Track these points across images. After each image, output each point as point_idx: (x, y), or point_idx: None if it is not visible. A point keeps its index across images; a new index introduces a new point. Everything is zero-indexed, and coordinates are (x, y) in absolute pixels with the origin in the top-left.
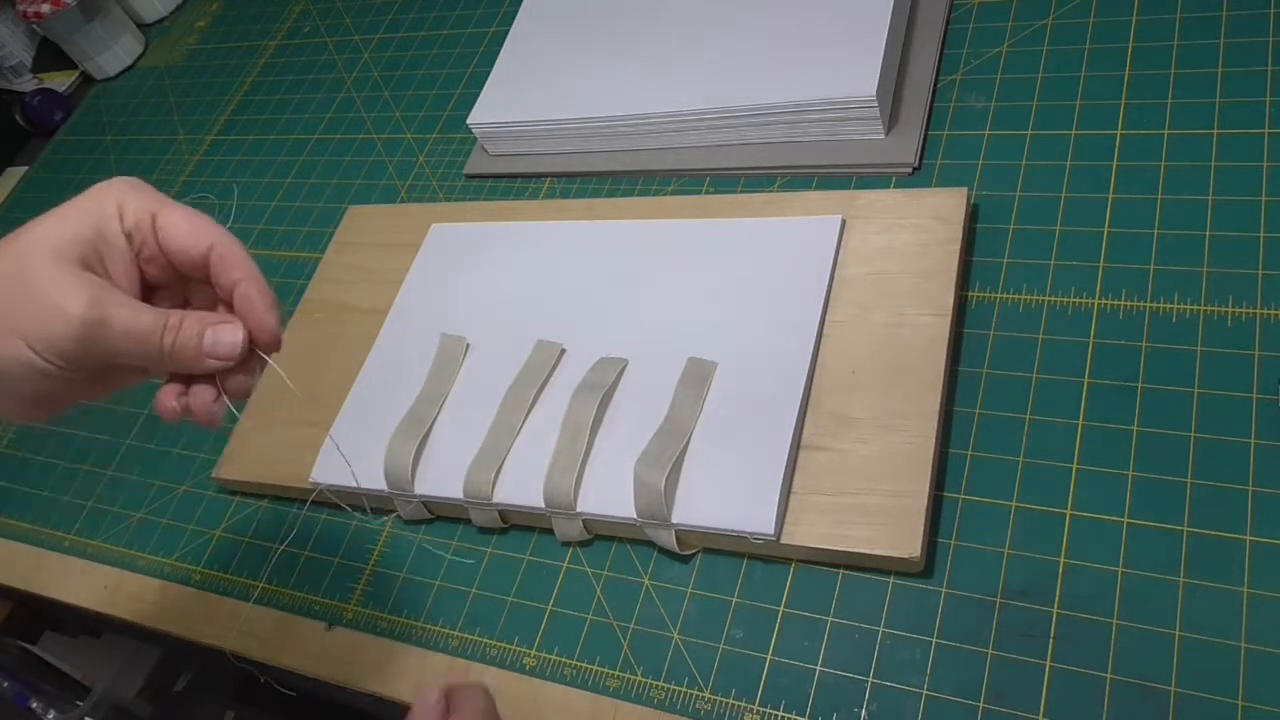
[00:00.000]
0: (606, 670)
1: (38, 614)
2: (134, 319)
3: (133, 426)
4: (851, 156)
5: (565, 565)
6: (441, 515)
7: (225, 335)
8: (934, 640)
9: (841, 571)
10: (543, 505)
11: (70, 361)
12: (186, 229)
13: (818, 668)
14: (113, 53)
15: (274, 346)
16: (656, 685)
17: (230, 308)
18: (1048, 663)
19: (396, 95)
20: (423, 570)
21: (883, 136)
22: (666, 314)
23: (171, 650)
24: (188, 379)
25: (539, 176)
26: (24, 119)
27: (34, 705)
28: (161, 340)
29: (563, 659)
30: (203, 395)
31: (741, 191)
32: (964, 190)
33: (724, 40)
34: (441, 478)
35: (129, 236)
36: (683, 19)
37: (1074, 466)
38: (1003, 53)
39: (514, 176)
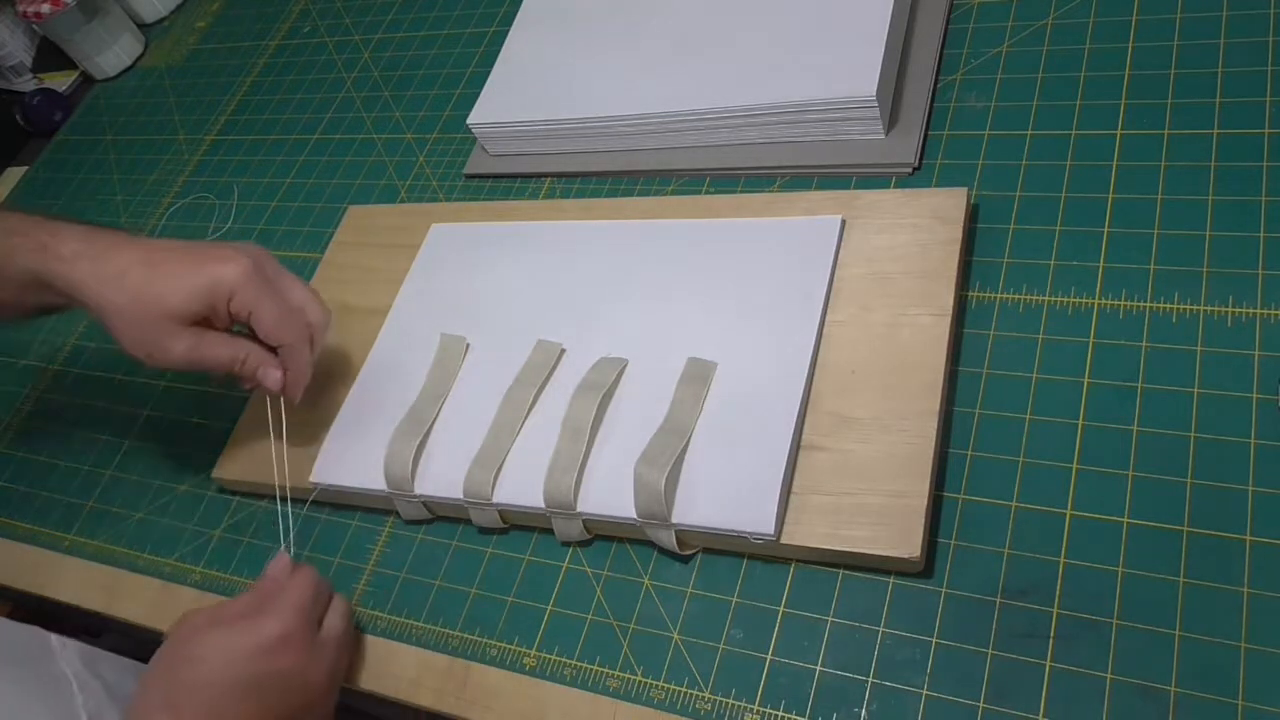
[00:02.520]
0: (606, 670)
1: (38, 614)
2: (217, 353)
3: (133, 426)
4: (851, 156)
5: (565, 565)
6: (441, 515)
7: (270, 377)
8: (934, 640)
9: (841, 571)
10: (543, 505)
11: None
12: (270, 326)
13: (818, 668)
14: (113, 53)
15: (292, 400)
16: (656, 685)
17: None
18: (1048, 663)
19: (396, 95)
20: (423, 570)
21: (883, 136)
22: (667, 314)
23: None
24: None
25: (539, 176)
26: (24, 119)
27: None
28: (234, 368)
29: (563, 659)
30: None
31: (741, 191)
32: (964, 190)
33: (724, 40)
34: (441, 478)
35: (230, 313)
36: (683, 19)
37: (1074, 466)
38: (1003, 53)
39: (514, 176)
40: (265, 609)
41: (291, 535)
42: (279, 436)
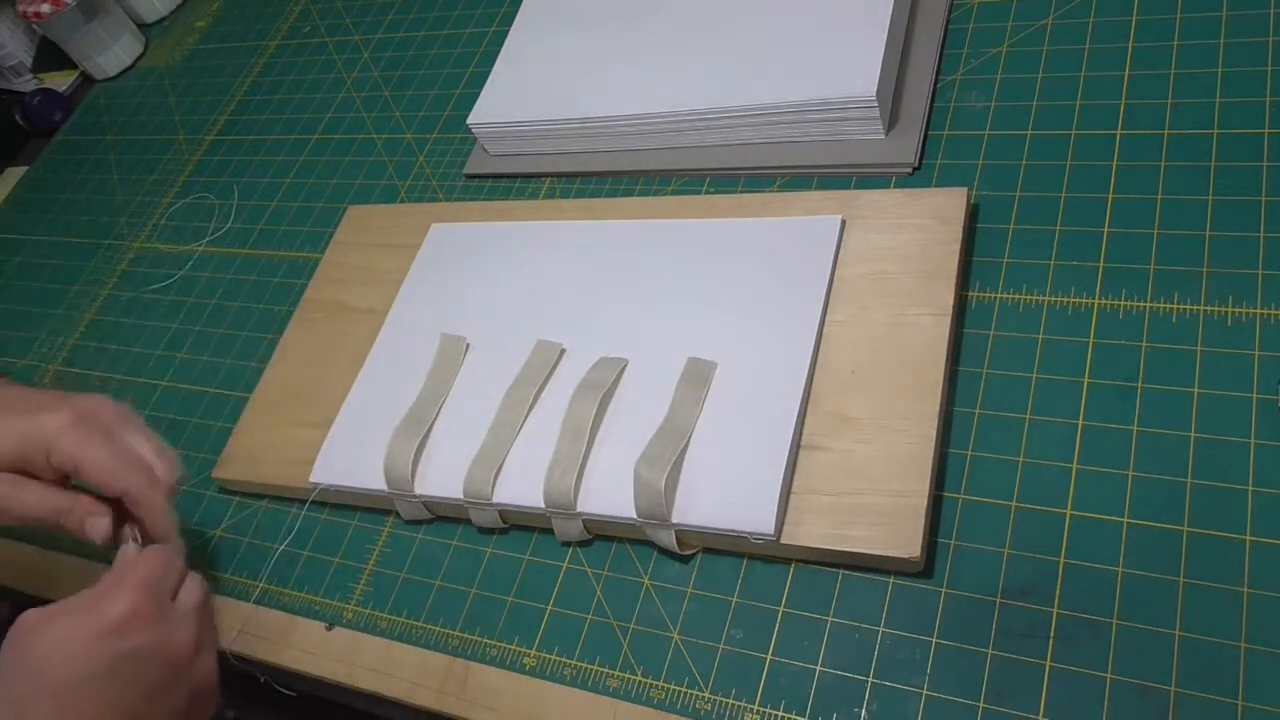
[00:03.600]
0: (606, 670)
1: None
2: (39, 506)
3: None
4: (851, 156)
5: (565, 565)
6: (441, 515)
7: (98, 528)
8: (934, 640)
9: (841, 571)
10: (543, 505)
11: None
12: (97, 475)
13: (818, 668)
14: (113, 53)
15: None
16: (656, 685)
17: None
18: (1048, 663)
19: (396, 95)
20: (423, 570)
21: (883, 136)
22: (666, 314)
23: None
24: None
25: (539, 176)
26: (24, 119)
27: None
28: (58, 520)
29: (563, 659)
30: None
31: (741, 191)
32: (964, 190)
33: (724, 40)
34: (441, 478)
35: (51, 467)
36: (682, 19)
37: (1074, 466)
38: (1003, 53)
39: (514, 176)
40: (106, 590)
41: (135, 530)
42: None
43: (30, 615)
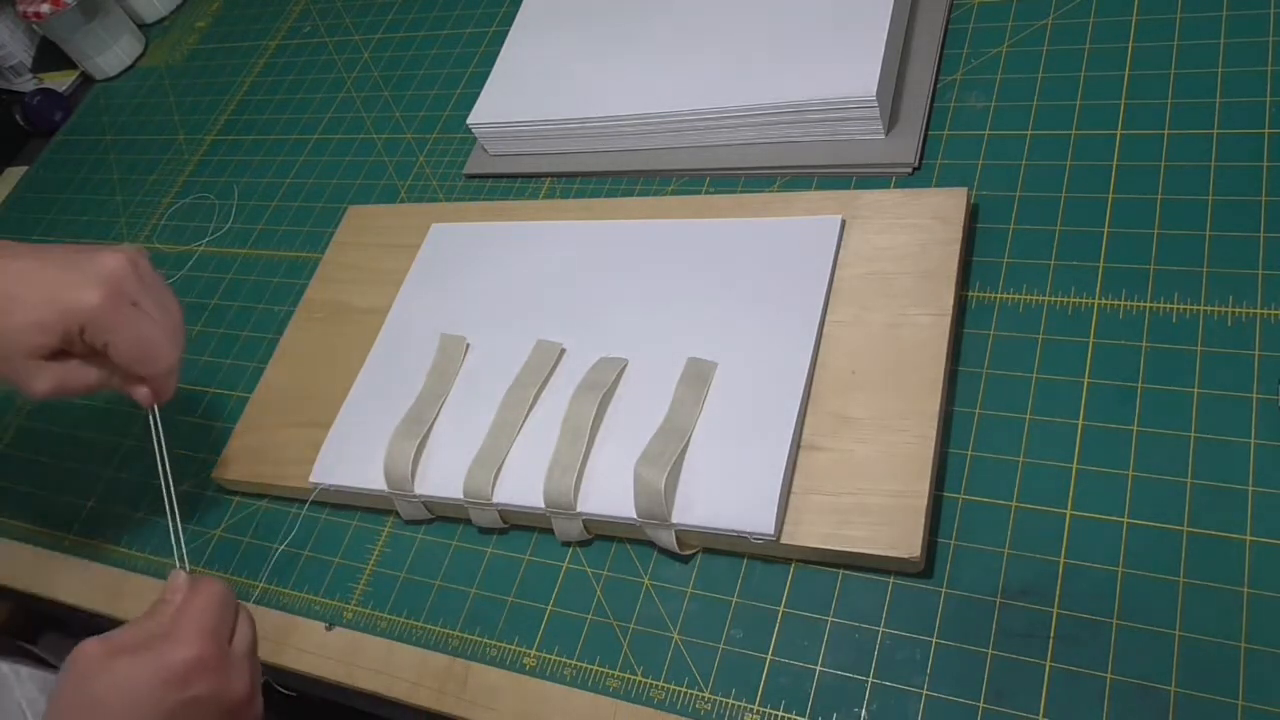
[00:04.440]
0: (606, 670)
1: (38, 614)
2: (84, 383)
3: (133, 426)
4: (851, 156)
5: (565, 565)
6: (441, 515)
7: (142, 395)
8: (934, 640)
9: (841, 571)
10: (543, 505)
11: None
12: (128, 359)
13: (818, 668)
14: (113, 53)
15: (161, 402)
16: (656, 685)
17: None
18: (1048, 663)
19: (396, 95)
20: (423, 570)
21: (883, 136)
22: (666, 314)
23: None
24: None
25: (539, 176)
26: (24, 119)
27: None
28: (104, 388)
29: (563, 659)
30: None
31: (741, 191)
32: (964, 190)
33: (724, 40)
34: (441, 478)
35: (83, 341)
36: (682, 19)
37: (1074, 466)
38: (1003, 53)
39: (514, 176)
40: (170, 633)
41: (185, 550)
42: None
43: (91, 647)
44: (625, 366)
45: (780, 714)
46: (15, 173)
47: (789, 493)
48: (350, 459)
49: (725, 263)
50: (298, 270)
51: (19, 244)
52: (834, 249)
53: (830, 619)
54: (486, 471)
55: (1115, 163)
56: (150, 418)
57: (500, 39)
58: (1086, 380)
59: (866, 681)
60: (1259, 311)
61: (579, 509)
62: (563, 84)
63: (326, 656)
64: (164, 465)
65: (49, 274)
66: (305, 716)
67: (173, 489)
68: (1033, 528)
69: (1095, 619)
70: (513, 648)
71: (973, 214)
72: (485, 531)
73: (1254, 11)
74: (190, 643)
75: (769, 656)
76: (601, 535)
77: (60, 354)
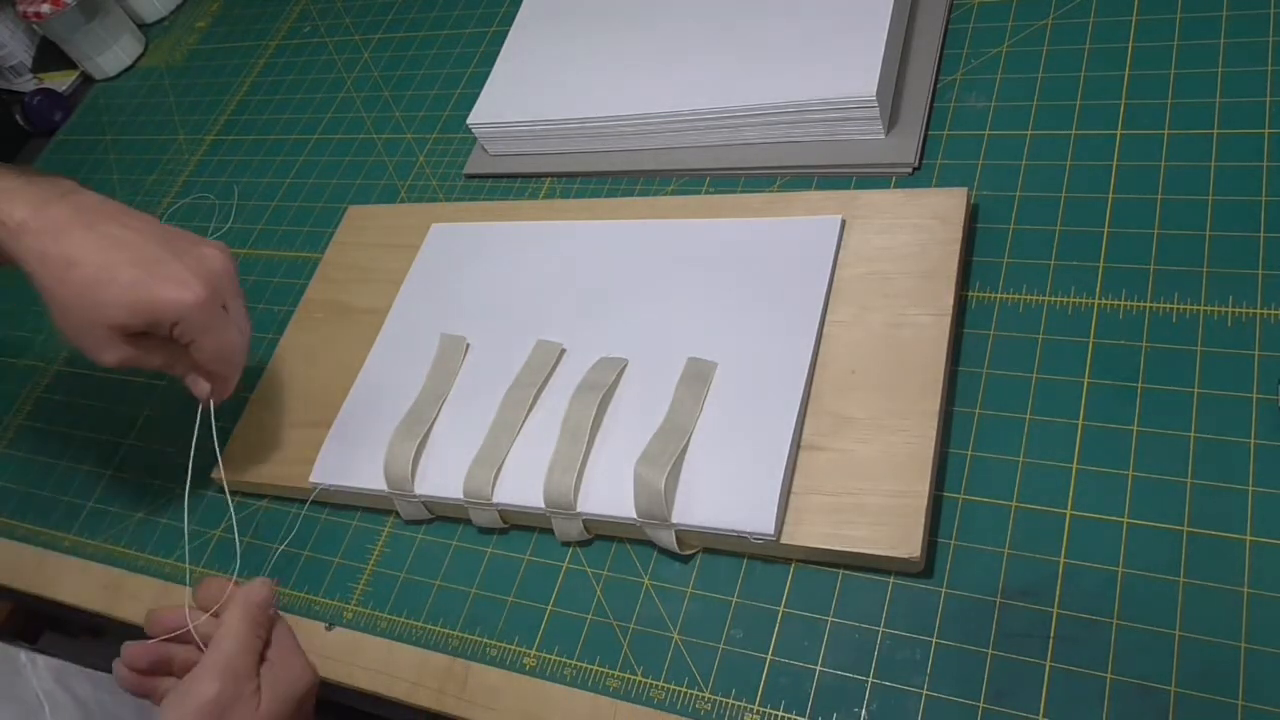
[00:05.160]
0: (606, 670)
1: (38, 614)
2: (149, 363)
3: (133, 426)
4: (851, 156)
5: (565, 565)
6: (441, 515)
7: (201, 387)
8: (934, 640)
9: (841, 571)
10: (543, 505)
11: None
12: (204, 361)
13: (818, 668)
14: (113, 53)
15: (218, 401)
16: (656, 685)
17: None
18: (1048, 663)
19: (396, 95)
20: (423, 570)
21: (883, 136)
22: (666, 314)
23: None
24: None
25: (539, 176)
26: (24, 119)
27: None
28: (164, 371)
29: (563, 659)
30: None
31: (741, 191)
32: (964, 190)
33: (724, 40)
34: (441, 478)
35: (170, 332)
36: (683, 19)
37: (1074, 466)
38: (1003, 53)
39: (514, 176)
40: (197, 675)
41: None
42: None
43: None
44: (625, 366)
45: (780, 714)
46: None
47: (789, 493)
48: (350, 459)
49: (725, 263)
50: (298, 270)
51: (108, 201)
52: (834, 249)
53: (830, 619)
54: (486, 471)
55: (1115, 163)
56: (201, 410)
57: (500, 39)
58: (1086, 380)
59: (866, 681)
60: (1259, 311)
61: (579, 509)
62: (563, 84)
63: (326, 656)
64: (218, 454)
65: (149, 252)
66: None
67: (225, 479)
68: (1033, 528)
69: (1095, 619)
70: (513, 648)
71: (973, 214)
72: (485, 531)
73: (1254, 11)
74: (212, 680)
75: (769, 656)
76: (601, 535)
77: (139, 333)
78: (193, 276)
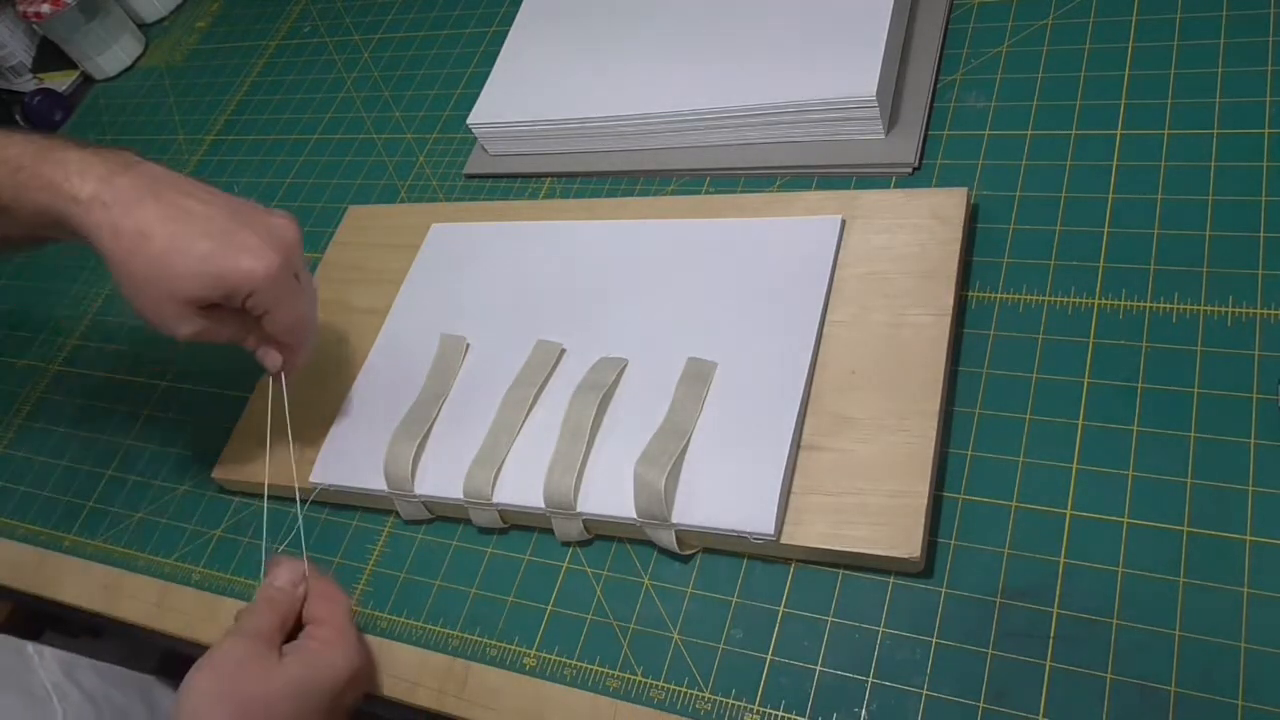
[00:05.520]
0: (606, 670)
1: (38, 614)
2: (223, 335)
3: (133, 426)
4: (851, 156)
5: (565, 565)
6: (441, 515)
7: (269, 358)
8: (934, 640)
9: (841, 571)
10: (543, 505)
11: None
12: (277, 331)
13: (818, 668)
14: (113, 53)
15: (289, 374)
16: (656, 685)
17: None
18: (1048, 663)
19: (396, 95)
20: (423, 570)
21: (883, 136)
22: (666, 314)
23: (171, 650)
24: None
25: (539, 176)
26: (24, 119)
27: None
28: (237, 343)
29: (563, 659)
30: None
31: (741, 191)
32: (964, 190)
33: (724, 40)
34: (441, 478)
35: (243, 304)
36: (683, 19)
37: (1074, 466)
38: (1003, 53)
39: (514, 176)
40: (332, 644)
41: (303, 537)
42: (284, 437)
43: (241, 670)
44: (625, 366)
45: (780, 714)
46: None
47: (789, 493)
48: (350, 459)
49: (725, 263)
50: None
51: (172, 171)
52: (834, 249)
53: (830, 619)
54: (486, 471)
55: (1115, 163)
56: (273, 382)
57: (500, 39)
58: (1086, 380)
59: (866, 681)
60: (1259, 311)
61: (579, 509)
62: (563, 84)
63: None
64: (288, 426)
65: (220, 223)
66: None
67: (293, 456)
68: (1033, 528)
69: (1095, 619)
70: (513, 648)
71: (973, 214)
72: (485, 531)
73: (1254, 11)
74: (352, 654)
75: (769, 656)
76: (601, 535)
77: (212, 305)
78: (266, 247)
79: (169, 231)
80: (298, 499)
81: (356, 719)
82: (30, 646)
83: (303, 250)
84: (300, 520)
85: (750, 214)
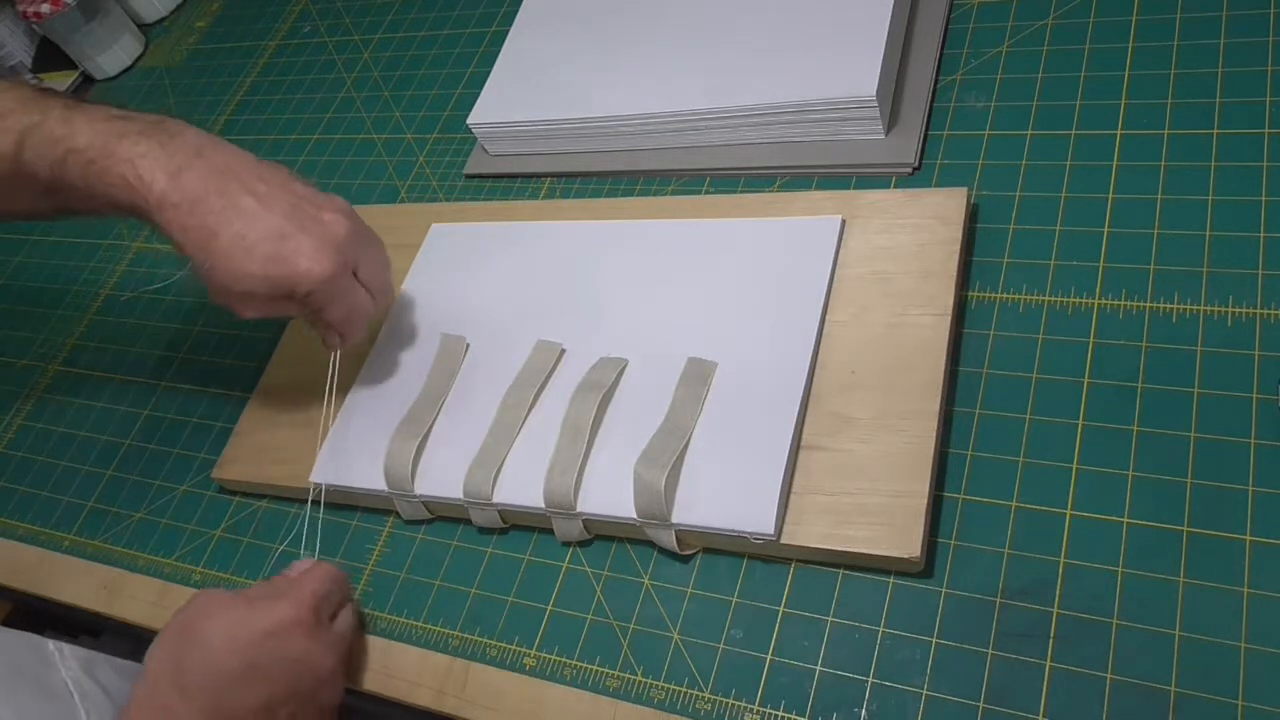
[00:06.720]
0: (606, 670)
1: (38, 614)
2: (286, 312)
3: (133, 426)
4: (851, 156)
5: (565, 565)
6: (441, 515)
7: (329, 339)
8: (934, 640)
9: (841, 571)
10: (543, 505)
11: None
12: (338, 321)
13: (818, 668)
14: (113, 53)
15: (344, 350)
16: (656, 685)
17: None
18: (1048, 663)
19: (396, 95)
20: (423, 570)
21: (883, 136)
22: (666, 314)
23: None
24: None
25: (539, 176)
26: None
27: None
28: (299, 317)
29: (563, 659)
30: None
31: (741, 191)
32: (964, 190)
33: (724, 40)
34: (441, 478)
35: (303, 303)
36: (683, 19)
37: (1074, 466)
38: (1003, 53)
39: (514, 176)
40: (281, 593)
41: (305, 537)
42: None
43: (214, 593)
44: (625, 366)
45: (780, 714)
46: None
47: (789, 493)
48: (350, 459)
49: (725, 263)
50: None
51: (236, 156)
52: (834, 249)
53: (830, 619)
54: (486, 471)
55: (1115, 163)
56: (332, 357)
57: (500, 39)
58: (1086, 380)
59: (866, 681)
60: (1259, 311)
61: (579, 509)
62: (563, 84)
63: None
64: (329, 402)
65: (277, 225)
66: None
67: (329, 426)
68: (1033, 528)
69: (1095, 619)
70: (513, 648)
71: (973, 214)
72: (485, 531)
73: (1254, 11)
74: (294, 604)
75: (769, 656)
76: (601, 535)
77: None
78: (321, 251)
79: (232, 232)
80: (309, 499)
81: (354, 717)
82: (50, 644)
83: (359, 237)
84: (307, 519)
85: (750, 214)
